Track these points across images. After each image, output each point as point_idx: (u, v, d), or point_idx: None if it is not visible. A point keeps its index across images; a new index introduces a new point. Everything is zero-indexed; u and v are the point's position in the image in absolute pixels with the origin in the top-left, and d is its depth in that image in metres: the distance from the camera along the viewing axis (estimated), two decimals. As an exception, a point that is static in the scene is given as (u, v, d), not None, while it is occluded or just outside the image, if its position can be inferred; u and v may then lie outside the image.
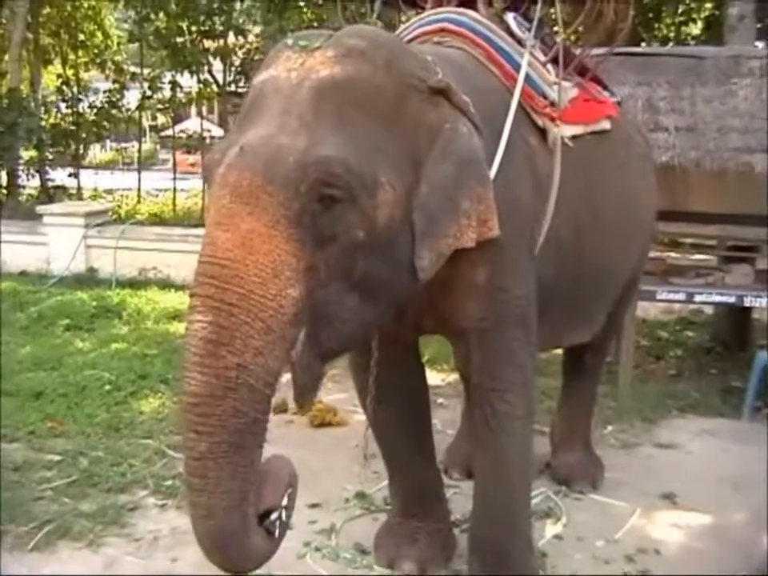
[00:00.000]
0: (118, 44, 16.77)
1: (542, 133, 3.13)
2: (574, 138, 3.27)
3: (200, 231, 9.45)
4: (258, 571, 3.31)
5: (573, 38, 3.92)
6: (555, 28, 3.74)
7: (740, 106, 5.41)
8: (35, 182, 13.80)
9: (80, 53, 15.66)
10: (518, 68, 3.12)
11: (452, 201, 2.50)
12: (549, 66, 3.37)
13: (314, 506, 4.04)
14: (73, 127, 15.11)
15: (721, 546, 3.78)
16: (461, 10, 3.30)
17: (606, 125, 3.56)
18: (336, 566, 3.55)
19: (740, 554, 3.68)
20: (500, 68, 3.14)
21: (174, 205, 15.43)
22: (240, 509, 2.22)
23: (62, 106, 15.42)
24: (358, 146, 2.29)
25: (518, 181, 2.92)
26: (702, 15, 12.81)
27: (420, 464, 3.55)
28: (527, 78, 3.11)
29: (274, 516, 2.31)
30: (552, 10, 3.90)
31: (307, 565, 3.52)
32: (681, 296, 5.67)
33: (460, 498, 4.02)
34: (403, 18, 4.16)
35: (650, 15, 12.44)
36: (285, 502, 2.37)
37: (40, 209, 9.97)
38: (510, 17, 3.44)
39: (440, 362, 6.12)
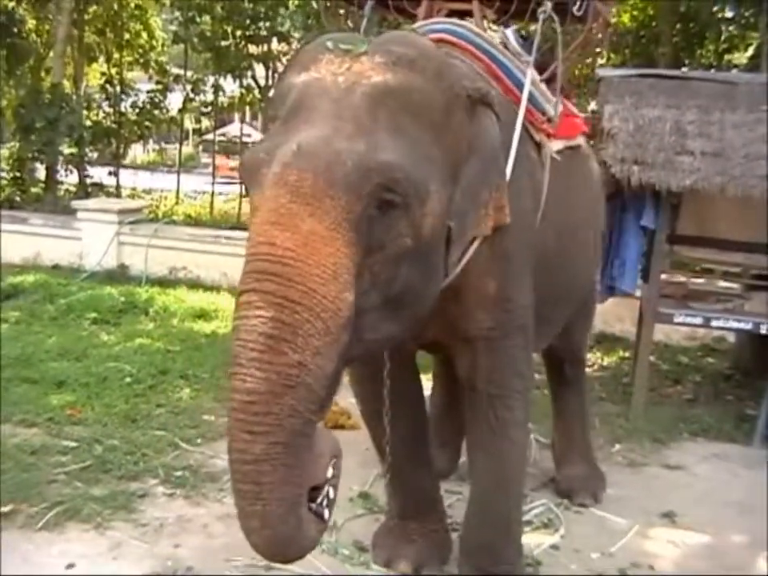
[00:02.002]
0: (163, 45, 17.05)
1: (537, 147, 3.21)
2: (558, 152, 3.37)
3: (233, 234, 9.74)
4: (255, 562, 3.47)
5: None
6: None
7: (768, 133, 5.41)
8: (74, 178, 14.03)
9: (124, 52, 15.94)
10: (517, 83, 3.19)
11: (477, 195, 2.62)
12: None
13: (316, 502, 4.11)
14: (114, 126, 15.37)
15: (715, 567, 3.82)
16: (459, 21, 3.34)
17: (581, 140, 3.64)
18: (334, 561, 3.62)
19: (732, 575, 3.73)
20: (499, 82, 3.19)
21: (212, 208, 15.63)
22: (296, 513, 2.17)
23: (105, 104, 15.65)
24: (412, 154, 2.30)
25: (524, 194, 3.01)
26: (748, 43, 12.77)
27: (418, 469, 3.62)
28: (529, 94, 3.19)
29: (321, 497, 2.27)
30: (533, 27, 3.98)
31: (306, 559, 3.55)
32: (698, 320, 5.70)
33: (462, 504, 4.05)
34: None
35: (694, 41, 12.48)
36: (330, 474, 2.31)
37: (75, 204, 10.17)
38: (509, 32, 3.51)
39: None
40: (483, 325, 3.00)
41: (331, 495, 2.31)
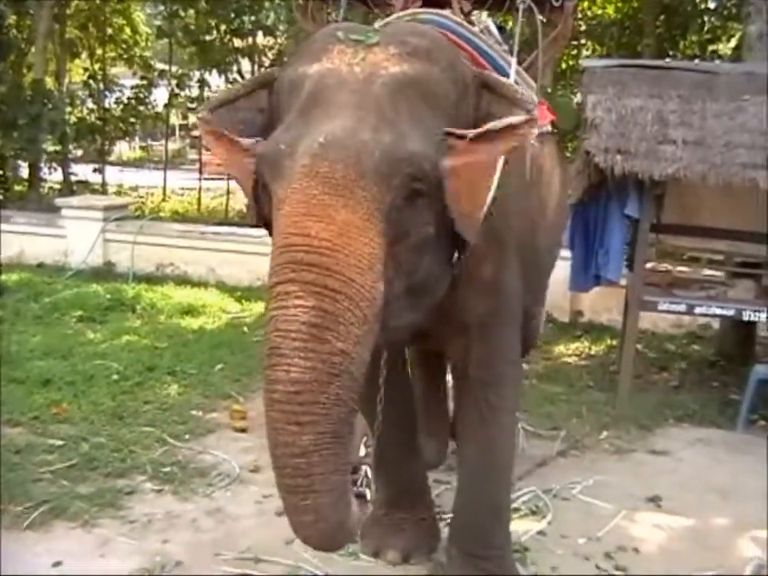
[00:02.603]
0: (147, 40, 16.95)
1: None
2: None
3: (220, 229, 9.72)
4: (243, 555, 3.49)
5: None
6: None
7: (749, 122, 5.42)
8: (58, 176, 13.96)
9: (108, 47, 15.82)
10: (500, 71, 3.19)
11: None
12: None
13: (306, 496, 4.14)
14: (98, 122, 15.28)
15: (698, 549, 3.88)
16: (441, 12, 3.30)
17: (549, 127, 3.67)
18: (323, 552, 3.62)
19: (716, 557, 3.78)
20: (482, 69, 3.21)
21: (199, 204, 15.59)
22: (346, 500, 2.19)
23: (88, 100, 15.55)
24: (434, 144, 2.33)
25: (513, 182, 3.02)
26: (731, 34, 12.80)
27: (407, 458, 3.62)
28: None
29: (361, 477, 2.28)
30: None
31: (294, 551, 3.59)
32: (682, 307, 5.74)
33: (451, 493, 4.07)
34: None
35: (677, 32, 12.50)
36: (363, 452, 2.33)
37: (59, 201, 10.11)
38: (490, 22, 3.52)
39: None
40: (478, 311, 3.03)
41: (369, 474, 2.32)
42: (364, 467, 2.33)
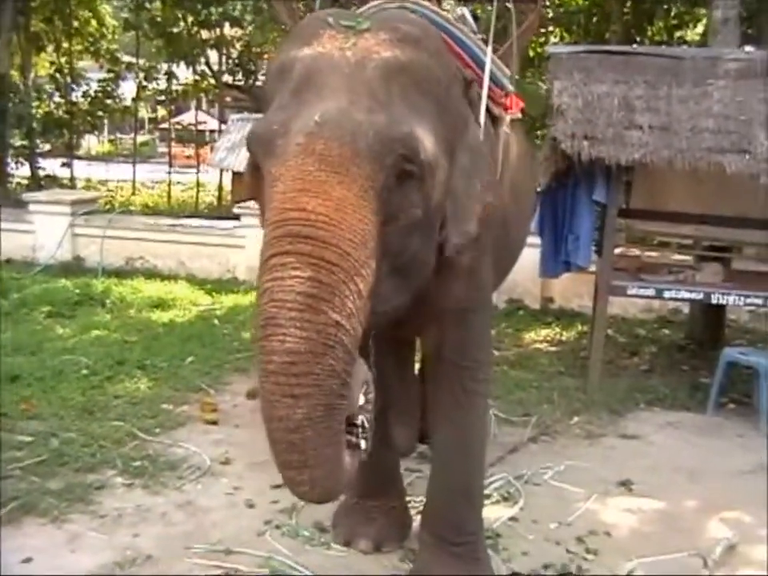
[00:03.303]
0: (113, 33, 16.77)
1: (493, 120, 3.23)
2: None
3: (189, 222, 9.67)
4: (215, 548, 3.48)
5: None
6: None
7: (714, 107, 5.47)
8: (26, 170, 13.80)
9: (74, 40, 15.63)
10: (475, 58, 3.20)
11: (472, 187, 2.70)
12: None
13: (277, 486, 4.09)
14: (66, 116, 15.12)
15: (669, 531, 3.91)
16: (417, 0, 3.35)
17: (519, 114, 3.69)
18: (295, 543, 3.63)
19: (687, 539, 3.81)
20: (459, 58, 3.20)
21: (169, 197, 15.51)
22: (340, 466, 2.24)
23: (55, 94, 15.38)
24: (425, 127, 2.39)
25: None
26: (697, 19, 12.87)
27: (379, 446, 3.60)
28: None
29: (357, 428, 2.26)
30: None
31: (266, 542, 3.61)
32: (650, 291, 5.77)
33: (422, 481, 4.08)
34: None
35: (644, 19, 12.55)
36: (362, 401, 2.33)
37: (26, 196, 10.03)
38: (465, 10, 3.52)
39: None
40: (455, 297, 3.05)
41: (366, 424, 2.32)
42: (361, 417, 2.33)
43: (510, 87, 3.36)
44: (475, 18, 3.68)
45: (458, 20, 3.26)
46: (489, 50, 3.23)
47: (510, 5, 3.57)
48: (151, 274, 8.89)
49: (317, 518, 3.82)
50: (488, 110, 3.20)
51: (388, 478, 3.72)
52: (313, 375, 2.09)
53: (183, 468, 4.33)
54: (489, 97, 3.21)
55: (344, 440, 2.25)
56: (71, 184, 14.62)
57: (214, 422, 4.97)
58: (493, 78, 3.26)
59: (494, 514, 3.90)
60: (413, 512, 3.79)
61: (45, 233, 9.33)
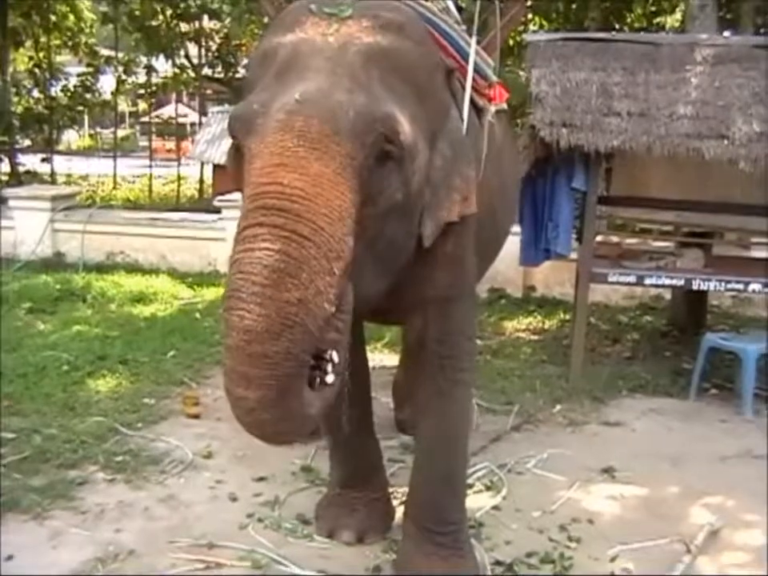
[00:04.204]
0: (91, 27, 16.64)
1: (477, 111, 3.23)
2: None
3: (170, 216, 9.62)
4: (197, 542, 3.46)
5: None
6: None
7: (692, 92, 5.47)
8: (5, 166, 13.68)
9: (52, 35, 15.49)
10: (459, 49, 3.20)
11: (449, 178, 2.72)
12: None
13: (260, 479, 4.15)
14: (45, 111, 15.00)
15: (653, 517, 3.92)
16: None
17: (504, 105, 3.69)
18: (278, 536, 3.63)
19: (670, 525, 3.82)
20: (443, 49, 3.21)
21: (150, 190, 15.41)
22: (303, 423, 2.30)
23: (34, 90, 15.26)
24: (405, 112, 2.41)
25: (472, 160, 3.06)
26: (675, 5, 12.87)
27: (360, 437, 3.63)
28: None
29: (327, 361, 2.25)
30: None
31: (249, 535, 3.61)
32: (631, 278, 5.78)
33: (405, 472, 4.09)
34: None
35: (622, 5, 12.52)
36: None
37: (6, 192, 9.91)
38: (450, 3, 3.52)
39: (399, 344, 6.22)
40: (440, 286, 3.06)
41: (336, 359, 2.31)
42: (330, 352, 2.33)
43: (495, 78, 3.38)
44: (459, 9, 3.69)
45: (443, 11, 3.26)
46: (473, 41, 3.24)
47: None
48: (132, 269, 8.84)
49: (299, 510, 3.83)
50: (472, 100, 3.21)
51: (370, 469, 3.72)
52: (267, 358, 2.11)
53: (165, 462, 4.32)
54: (473, 88, 3.21)
55: (305, 419, 2.28)
56: (51, 179, 14.49)
57: (196, 416, 4.95)
58: (477, 69, 3.26)
59: (477, 503, 3.91)
60: (396, 503, 3.79)
61: (25, 229, 9.24)
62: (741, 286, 5.78)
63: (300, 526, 3.70)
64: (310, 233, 2.15)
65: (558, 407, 5.31)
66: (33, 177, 13.77)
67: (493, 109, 3.37)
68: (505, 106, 3.82)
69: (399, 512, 3.66)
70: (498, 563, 3.45)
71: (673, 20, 13.04)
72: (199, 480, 4.16)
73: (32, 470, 4.17)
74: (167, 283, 8.28)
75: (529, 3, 10.88)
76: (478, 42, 3.36)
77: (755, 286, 5.66)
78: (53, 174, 14.84)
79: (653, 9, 12.82)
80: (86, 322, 6.80)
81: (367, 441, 3.71)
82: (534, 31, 11.06)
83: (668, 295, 7.54)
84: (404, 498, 3.60)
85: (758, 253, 6.96)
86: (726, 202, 6.10)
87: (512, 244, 5.98)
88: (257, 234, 2.13)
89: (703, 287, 5.75)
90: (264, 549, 3.47)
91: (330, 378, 2.28)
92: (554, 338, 6.98)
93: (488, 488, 4.14)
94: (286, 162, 2.20)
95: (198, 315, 7.21)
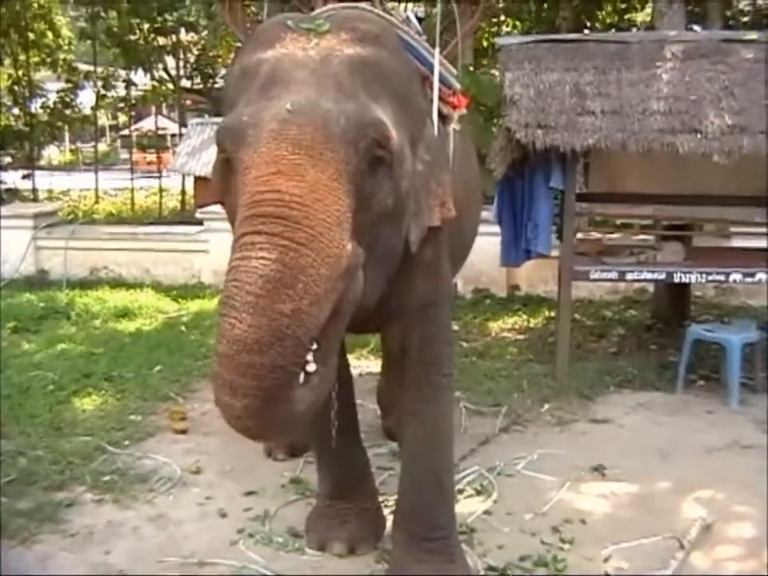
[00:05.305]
0: (69, 43, 16.60)
1: (442, 119, 3.25)
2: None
3: (152, 229, 9.60)
4: (187, 560, 3.44)
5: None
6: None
7: (664, 88, 5.51)
8: (-13, 186, 13.62)
9: (31, 52, 15.44)
10: (422, 60, 3.22)
11: (428, 184, 2.78)
12: None
13: (249, 493, 4.13)
14: (25, 128, 14.95)
15: (645, 514, 3.92)
16: (363, 5, 3.36)
17: (464, 110, 3.72)
18: (269, 550, 3.61)
19: (662, 521, 3.82)
20: None
21: (133, 204, 15.36)
22: (293, 423, 2.32)
23: (14, 107, 15.20)
24: (390, 119, 2.47)
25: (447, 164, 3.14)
26: (645, 2, 12.93)
27: (346, 447, 3.62)
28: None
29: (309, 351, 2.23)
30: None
31: (240, 551, 3.58)
32: (613, 275, 5.80)
33: (395, 480, 4.07)
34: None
35: (592, 3, 12.59)
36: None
37: (-12, 211, 9.87)
38: (411, 15, 3.55)
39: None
40: (419, 293, 3.09)
41: (314, 346, 2.28)
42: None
43: (458, 85, 3.42)
44: (419, 19, 3.73)
45: (404, 22, 3.28)
46: (436, 51, 3.29)
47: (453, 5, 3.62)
48: (116, 283, 8.82)
49: (290, 524, 3.81)
50: (438, 108, 3.24)
51: (359, 479, 3.71)
52: (254, 369, 2.11)
53: (154, 480, 4.29)
54: (438, 96, 3.24)
55: (295, 409, 2.26)
56: (33, 196, 14.43)
57: (184, 431, 4.93)
58: (441, 78, 3.31)
59: (468, 508, 3.91)
60: (386, 511, 3.77)
61: (7, 247, 9.16)
62: (722, 277, 5.82)
63: (291, 540, 3.68)
64: (308, 239, 2.17)
65: (546, 406, 5.31)
66: (14, 194, 13.69)
67: (456, 116, 3.40)
68: (465, 111, 3.86)
69: (390, 520, 3.63)
70: (491, 568, 3.44)
71: (644, 15, 13.10)
72: (188, 497, 4.14)
73: (18, 493, 4.12)
74: (151, 297, 8.26)
75: (501, 5, 10.94)
76: (440, 51, 3.39)
77: (736, 276, 5.69)
78: (34, 190, 14.77)
79: (623, 6, 12.89)
80: (71, 340, 6.77)
81: (354, 450, 3.70)
82: (507, 32, 11.13)
83: (651, 288, 7.57)
84: (394, 504, 3.58)
85: (737, 242, 7.01)
86: (703, 194, 6.15)
87: (494, 245, 6.04)
88: (254, 242, 2.15)
89: (684, 280, 5.78)
90: (255, 564, 3.46)
91: (311, 367, 2.27)
92: (540, 336, 6.99)
93: (478, 492, 4.12)
94: (282, 169, 2.22)
95: (183, 328, 7.19)
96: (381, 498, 3.83)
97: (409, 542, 3.33)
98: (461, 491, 4.05)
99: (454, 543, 3.40)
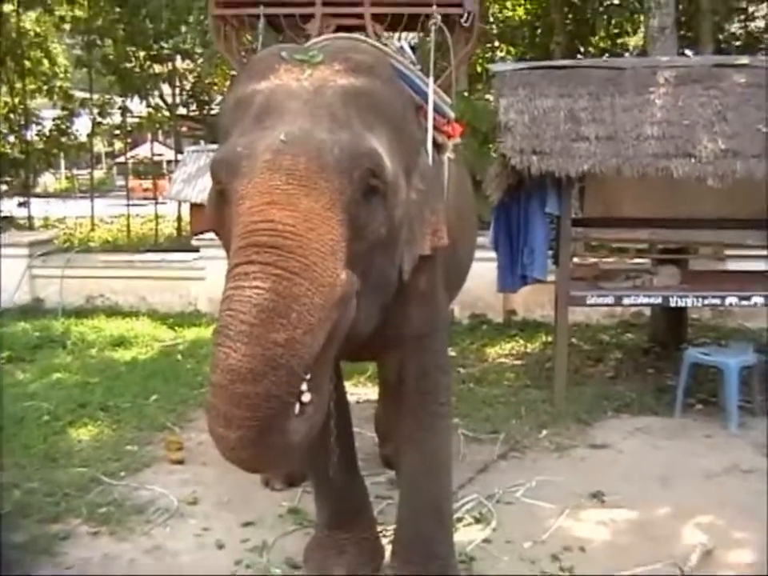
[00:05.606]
0: (65, 71, 16.69)
1: (437, 147, 3.26)
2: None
3: (148, 257, 9.59)
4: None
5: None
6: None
7: (657, 113, 5.54)
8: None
9: (27, 80, 15.52)
10: (417, 89, 3.24)
11: (422, 213, 2.79)
12: None
13: (247, 524, 4.09)
14: (21, 156, 14.99)
15: (644, 541, 3.90)
16: (358, 36, 3.40)
17: (459, 139, 3.74)
18: (267, 581, 3.58)
19: (662, 547, 3.79)
20: None
21: (128, 230, 15.38)
22: (289, 453, 2.31)
23: (8, 134, 15.25)
24: (384, 148, 2.48)
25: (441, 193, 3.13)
26: (637, 27, 13.05)
27: (344, 476, 3.59)
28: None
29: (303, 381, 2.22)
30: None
31: (239, 583, 3.56)
32: (609, 299, 5.81)
33: (393, 509, 4.04)
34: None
35: (585, 29, 12.73)
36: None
37: (-17, 241, 9.86)
38: (405, 44, 3.58)
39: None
40: (415, 322, 3.10)
41: (307, 375, 2.25)
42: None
43: (452, 114, 3.43)
44: (412, 49, 3.76)
45: (398, 52, 3.31)
46: (430, 80, 3.31)
47: (447, 34, 3.66)
48: (112, 312, 8.80)
49: (288, 554, 3.78)
50: (433, 137, 3.26)
51: (357, 509, 3.68)
52: (248, 399, 2.10)
53: (150, 511, 4.26)
54: (433, 125, 3.26)
55: (290, 440, 2.25)
56: (29, 224, 14.46)
57: (180, 461, 4.89)
58: (435, 107, 3.34)
59: (467, 536, 3.89)
60: (384, 540, 3.74)
61: (3, 276, 9.11)
62: (717, 301, 5.83)
63: (289, 571, 3.65)
64: (302, 269, 2.17)
65: (544, 432, 5.29)
66: (9, 222, 13.70)
67: (451, 144, 3.42)
68: (459, 140, 3.88)
69: (388, 549, 3.61)
70: (490, 597, 3.42)
71: (637, 39, 13.23)
72: (185, 528, 4.10)
73: (12, 525, 4.07)
74: (148, 325, 8.24)
75: (495, 31, 11.04)
76: (434, 81, 3.42)
77: (732, 300, 5.70)
78: (30, 218, 14.79)
79: (615, 31, 13.01)
80: (66, 369, 6.74)
81: (352, 479, 3.67)
82: (501, 58, 11.21)
83: (648, 311, 7.57)
84: (393, 533, 3.56)
85: (732, 265, 7.02)
86: (697, 218, 6.17)
87: (490, 270, 6.04)
88: (248, 272, 2.15)
89: (681, 304, 5.79)
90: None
91: (306, 397, 2.25)
92: (537, 361, 6.98)
93: (477, 520, 4.10)
94: (276, 199, 2.23)
95: (179, 357, 7.16)
96: (379, 528, 3.80)
97: (407, 570, 3.30)
98: (459, 519, 4.02)
99: (453, 572, 3.38)
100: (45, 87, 15.93)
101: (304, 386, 2.23)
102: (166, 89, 16.12)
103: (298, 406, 2.23)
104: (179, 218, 15.04)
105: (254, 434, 2.13)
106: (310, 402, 2.26)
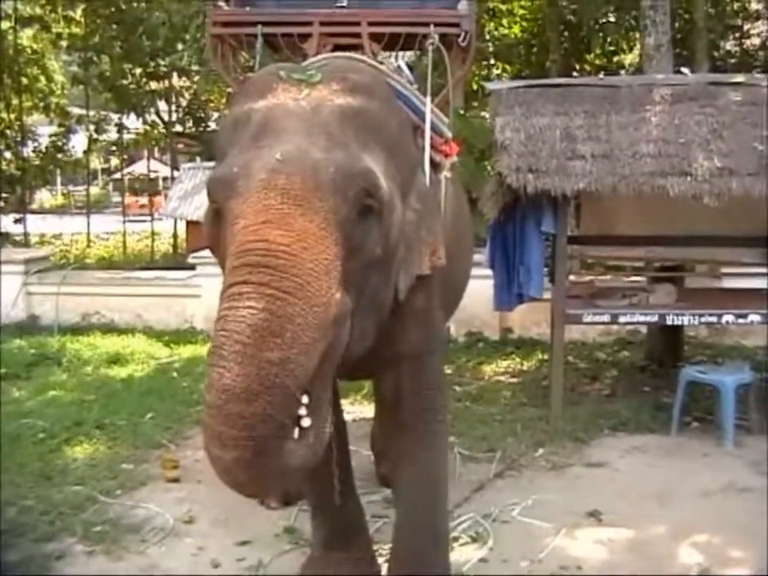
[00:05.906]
0: (62, 88, 16.75)
1: (434, 166, 3.28)
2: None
3: (144, 274, 9.59)
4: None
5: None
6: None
7: (653, 131, 5.56)
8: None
9: (23, 97, 15.57)
10: (415, 109, 3.26)
11: (418, 232, 2.79)
12: None
13: (243, 543, 4.07)
14: (17, 172, 15.01)
15: (641, 560, 3.88)
16: (355, 55, 3.41)
17: (455, 158, 3.76)
18: (261, 600, 3.57)
19: (659, 566, 3.79)
20: None
21: (124, 247, 15.40)
22: (286, 479, 2.30)
23: (5, 151, 15.28)
24: (380, 168, 2.49)
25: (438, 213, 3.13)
26: (632, 45, 13.14)
27: (340, 495, 3.57)
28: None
29: (302, 405, 2.19)
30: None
31: (233, 602, 3.54)
32: (606, 318, 5.82)
33: (389, 528, 4.03)
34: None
35: (581, 47, 12.80)
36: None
37: (-22, 258, 9.85)
38: (402, 63, 3.59)
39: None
40: (412, 341, 3.09)
41: (306, 399, 2.22)
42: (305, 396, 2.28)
43: (449, 134, 3.44)
44: (410, 68, 3.77)
45: (395, 71, 3.32)
46: (428, 100, 3.32)
47: (444, 53, 3.67)
48: (108, 329, 8.78)
49: (284, 574, 3.75)
50: (430, 157, 3.27)
51: (353, 528, 3.66)
52: (243, 419, 2.08)
53: (146, 530, 4.23)
54: (430, 145, 3.27)
55: (288, 464, 2.21)
56: (25, 240, 14.47)
57: (176, 480, 4.87)
58: (432, 126, 3.35)
59: (463, 556, 3.87)
60: (380, 560, 3.72)
61: (-2, 293, 9.17)
62: (714, 319, 5.84)
63: (285, 590, 3.64)
64: (296, 288, 2.16)
65: (541, 451, 5.27)
66: (5, 239, 13.70)
67: (448, 163, 3.43)
68: (456, 159, 3.90)
69: (384, 569, 3.59)
70: (486, 618, 3.41)
71: (632, 56, 13.31)
72: (181, 547, 4.08)
73: (7, 544, 4.04)
74: (143, 343, 8.23)
75: (491, 49, 11.11)
76: (432, 100, 3.43)
77: (728, 318, 5.71)
78: (26, 234, 14.80)
79: (611, 48, 13.08)
80: (62, 387, 6.72)
81: (348, 499, 3.65)
82: (497, 75, 11.26)
83: (644, 329, 7.58)
84: (389, 553, 3.53)
85: (728, 283, 7.04)
86: (693, 235, 6.19)
87: (487, 288, 6.05)
88: (242, 292, 2.14)
89: (677, 322, 5.80)
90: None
91: (305, 422, 2.23)
92: (533, 379, 6.98)
93: (474, 539, 4.08)
94: (271, 219, 2.22)
95: (175, 374, 7.14)
96: (375, 547, 3.78)
97: None
98: (456, 538, 4.01)
99: (447, 592, 3.36)
100: (41, 104, 16.00)
101: (303, 411, 2.22)
102: (162, 106, 16.23)
103: (297, 431, 2.21)
104: (175, 235, 15.07)
105: (249, 455, 2.11)
106: (310, 426, 2.24)
